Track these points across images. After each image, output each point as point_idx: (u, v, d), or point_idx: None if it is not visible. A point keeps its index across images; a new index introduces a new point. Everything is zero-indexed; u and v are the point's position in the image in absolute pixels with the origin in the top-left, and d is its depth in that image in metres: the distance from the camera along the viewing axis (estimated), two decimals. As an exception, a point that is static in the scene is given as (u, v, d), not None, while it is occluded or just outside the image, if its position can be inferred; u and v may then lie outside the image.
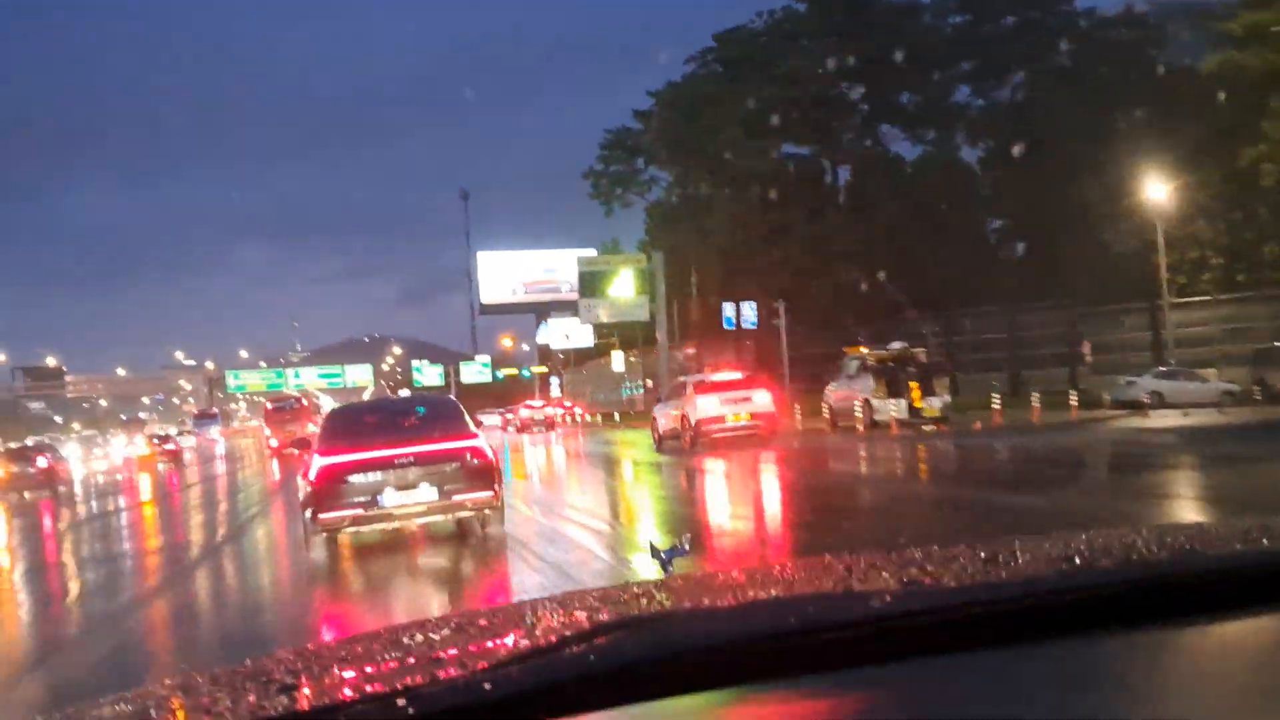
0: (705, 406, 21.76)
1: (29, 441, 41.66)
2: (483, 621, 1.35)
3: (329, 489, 9.19)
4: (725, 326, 47.66)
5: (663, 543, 2.32)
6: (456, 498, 9.41)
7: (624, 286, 46.43)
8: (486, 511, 9.94)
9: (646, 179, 47.70)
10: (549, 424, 55.31)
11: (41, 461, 32.27)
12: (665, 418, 24.05)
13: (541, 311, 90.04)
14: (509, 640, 1.19)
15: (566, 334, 58.40)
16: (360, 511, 9.22)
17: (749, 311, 47.52)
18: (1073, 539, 1.49)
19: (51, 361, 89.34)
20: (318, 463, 9.39)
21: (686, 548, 2.30)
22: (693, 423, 21.76)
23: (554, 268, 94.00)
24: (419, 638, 1.28)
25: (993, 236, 47.83)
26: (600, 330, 58.78)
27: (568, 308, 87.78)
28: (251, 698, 1.06)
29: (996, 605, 1.13)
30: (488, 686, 0.94)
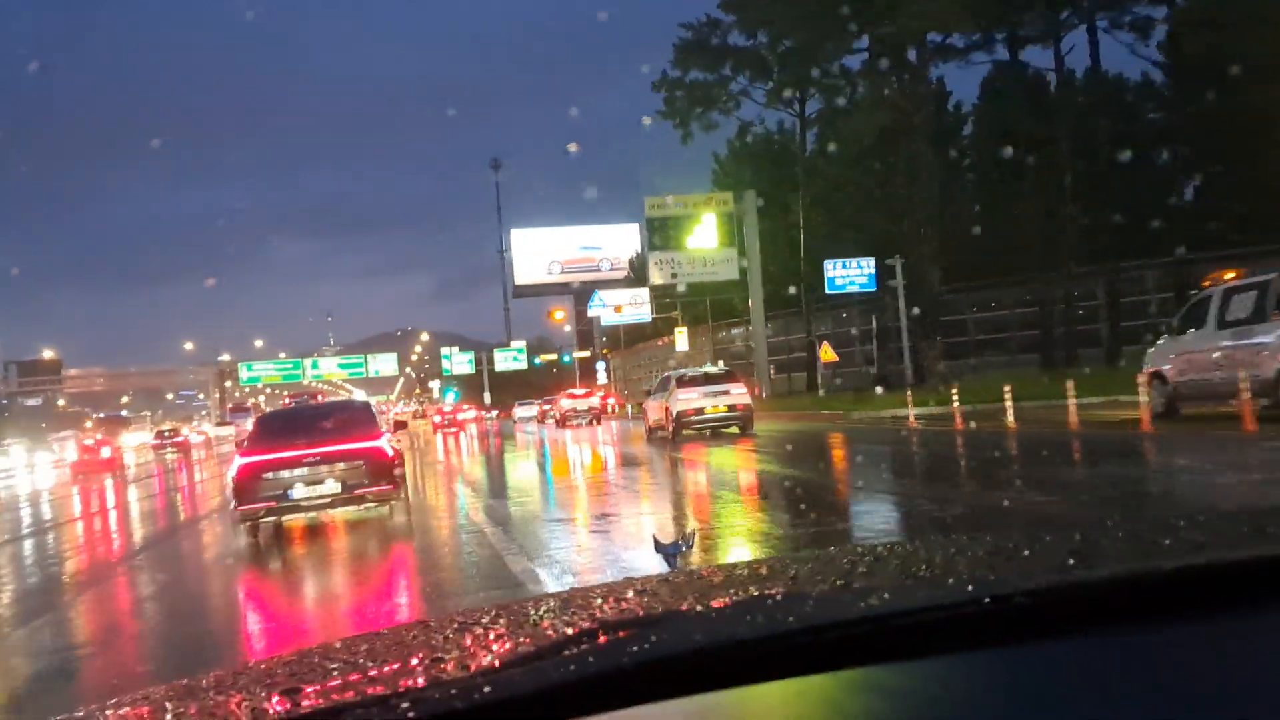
0: (686, 399, 22.53)
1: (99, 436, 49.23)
2: (487, 620, 1.32)
3: (247, 484, 10.39)
4: (829, 290, 37.06)
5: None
6: (358, 491, 10.52)
7: (705, 235, 35.71)
8: (392, 502, 11.10)
9: (737, 89, 36.23)
10: (594, 416, 44.49)
11: (106, 451, 40.97)
12: (653, 410, 24.88)
13: (580, 293, 79.91)
14: (513, 640, 1.19)
15: (623, 305, 47.32)
16: (273, 504, 10.39)
17: (862, 269, 36.83)
18: (1081, 533, 1.45)
19: (48, 354, 79.45)
20: (238, 462, 10.80)
21: (691, 543, 2.11)
22: (674, 414, 22.50)
23: (593, 244, 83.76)
24: (422, 637, 1.27)
25: (1162, 174, 36.64)
26: (659, 303, 47.95)
27: (609, 288, 77.41)
28: (253, 701, 1.06)
29: (999, 603, 1.06)
30: (487, 690, 0.94)
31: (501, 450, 29.83)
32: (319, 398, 57.87)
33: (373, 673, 1.12)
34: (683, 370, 26.30)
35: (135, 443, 66.18)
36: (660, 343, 56.71)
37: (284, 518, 10.97)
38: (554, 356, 77.79)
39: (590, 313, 47.91)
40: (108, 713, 1.16)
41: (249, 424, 73.92)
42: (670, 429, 22.67)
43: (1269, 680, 0.96)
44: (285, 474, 10.43)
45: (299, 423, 11.98)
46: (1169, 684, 0.96)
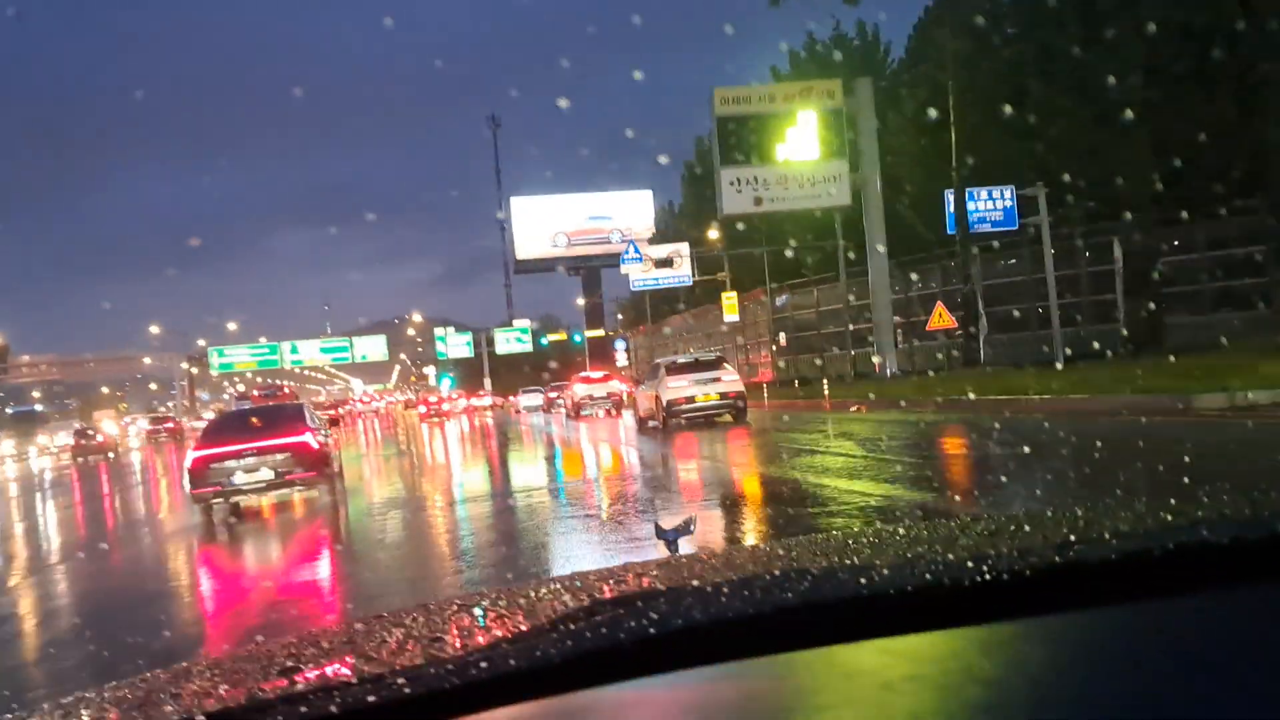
0: (676, 387, 20.95)
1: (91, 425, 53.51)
2: (486, 602, 1.33)
3: (199, 472, 12.18)
4: (950, 229, 26.91)
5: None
6: (288, 477, 12.25)
7: (802, 143, 25.22)
8: (321, 484, 12.90)
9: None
10: (615, 403, 34.18)
11: (98, 437, 47.29)
12: (644, 399, 23.38)
13: (589, 267, 69.89)
14: (511, 621, 1.18)
15: (663, 259, 36.35)
16: (220, 488, 12.13)
17: (996, 202, 26.89)
18: (1077, 514, 1.45)
19: (-5, 340, 69.10)
20: (191, 455, 12.56)
21: (692, 528, 2.08)
22: (664, 403, 20.97)
23: (602, 214, 73.62)
24: (422, 618, 1.28)
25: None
26: (703, 264, 37.38)
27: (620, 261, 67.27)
28: (251, 681, 1.08)
29: (988, 580, 1.06)
30: (483, 665, 0.95)
31: (497, 458, 21.19)
32: (286, 389, 57.55)
33: (371, 653, 1.11)
34: (673, 357, 24.53)
35: (133, 429, 69.85)
36: (693, 315, 46.05)
37: (228, 500, 12.43)
38: (562, 336, 67.47)
39: (623, 269, 36.92)
40: (105, 695, 1.15)
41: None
42: (661, 419, 21.27)
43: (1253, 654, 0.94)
44: (229, 464, 12.14)
45: (242, 422, 13.60)
46: (1152, 657, 0.96)
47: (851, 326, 30.31)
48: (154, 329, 76.76)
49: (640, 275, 36.55)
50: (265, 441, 12.30)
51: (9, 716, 1.10)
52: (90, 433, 48.15)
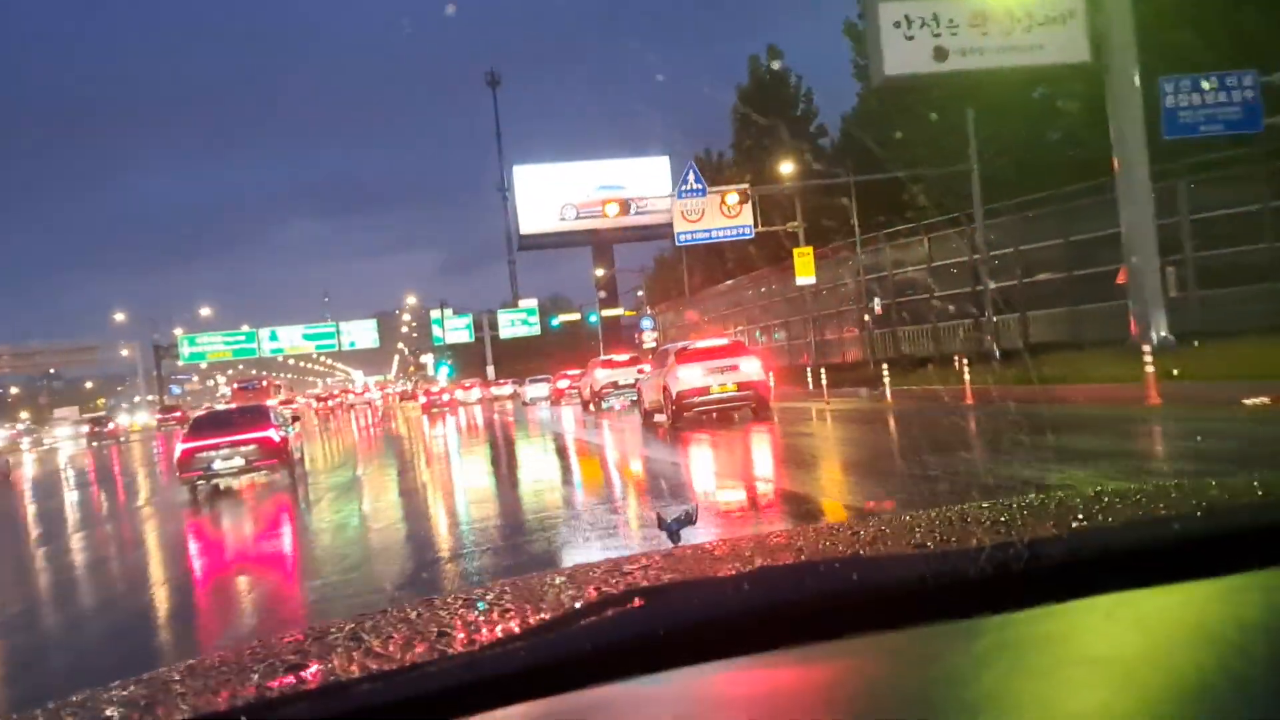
0: (687, 377, 18.29)
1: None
2: (492, 596, 1.29)
3: (185, 460, 15.39)
4: (1168, 134, 18.53)
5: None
6: (255, 464, 15.56)
7: None
8: (282, 470, 16.09)
9: None
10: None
11: (110, 425, 60.12)
12: (649, 390, 20.65)
13: (599, 242, 61.38)
14: (519, 615, 1.14)
15: (725, 203, 27.07)
16: (202, 473, 15.38)
17: (1231, 92, 18.54)
18: (1084, 499, 1.41)
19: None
20: (179, 446, 15.71)
21: (694, 517, 1.99)
22: (674, 395, 18.35)
23: (613, 183, 65.03)
24: (428, 614, 1.25)
25: None
26: (770, 212, 28.48)
27: (636, 234, 58.94)
28: (259, 678, 1.05)
29: (1004, 569, 1.05)
30: (494, 661, 0.94)
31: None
32: (263, 382, 61.89)
33: (378, 650, 1.09)
34: (683, 343, 21.97)
35: (141, 421, 78.00)
36: (745, 281, 37.29)
37: (210, 481, 15.71)
38: (575, 316, 58.83)
39: (680, 201, 27.75)
40: (111, 694, 1.13)
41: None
42: (669, 413, 18.44)
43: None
44: (209, 454, 15.31)
45: (220, 420, 16.89)
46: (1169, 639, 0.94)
47: (994, 284, 21.59)
48: (119, 316, 68.27)
49: (688, 227, 27.89)
50: (237, 436, 15.62)
51: (15, 717, 1.03)
52: (104, 421, 61.48)
